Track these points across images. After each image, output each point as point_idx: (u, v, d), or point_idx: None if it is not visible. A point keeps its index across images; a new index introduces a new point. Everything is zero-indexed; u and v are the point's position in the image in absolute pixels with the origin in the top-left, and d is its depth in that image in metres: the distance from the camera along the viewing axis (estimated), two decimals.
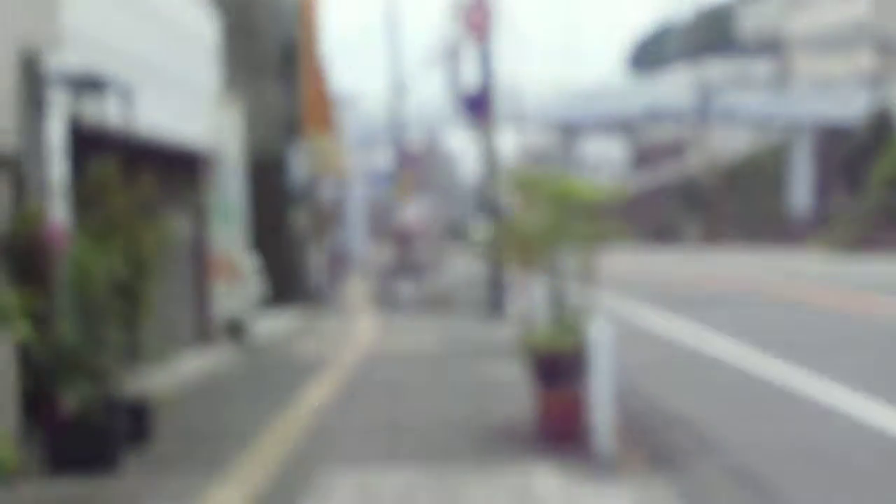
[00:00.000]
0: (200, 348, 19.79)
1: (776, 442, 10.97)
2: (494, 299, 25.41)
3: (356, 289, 41.96)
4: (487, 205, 26.16)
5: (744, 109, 75.05)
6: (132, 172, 11.61)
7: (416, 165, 58.55)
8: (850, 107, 74.78)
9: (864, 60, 66.61)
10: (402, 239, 40.68)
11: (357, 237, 68.08)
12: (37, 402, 10.37)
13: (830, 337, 20.00)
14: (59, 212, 11.88)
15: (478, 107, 24.34)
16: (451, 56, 34.51)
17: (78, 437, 10.25)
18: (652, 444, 10.80)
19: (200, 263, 20.54)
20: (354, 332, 24.17)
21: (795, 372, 15.26)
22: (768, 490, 9.01)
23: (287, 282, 30.33)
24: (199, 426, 12.69)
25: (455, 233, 52.36)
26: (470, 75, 27.43)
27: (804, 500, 8.82)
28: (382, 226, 52.75)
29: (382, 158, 67.24)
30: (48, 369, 10.31)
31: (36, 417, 10.29)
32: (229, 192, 21.78)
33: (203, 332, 20.39)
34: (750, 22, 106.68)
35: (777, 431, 11.61)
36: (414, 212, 42.19)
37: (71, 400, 10.43)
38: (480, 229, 29.26)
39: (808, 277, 37.10)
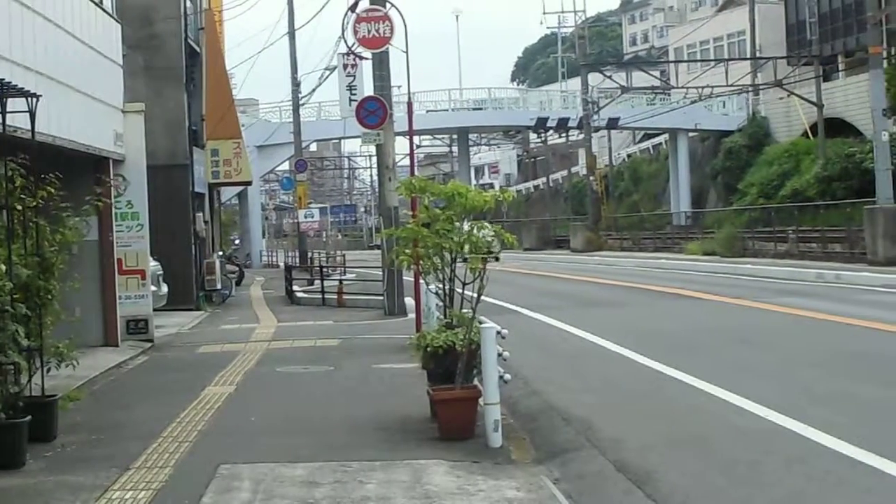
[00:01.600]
0: (105, 347, 19.59)
1: (654, 430, 10.95)
2: (392, 299, 25.41)
3: (257, 288, 41.68)
4: (384, 209, 26.17)
5: (628, 119, 75.69)
6: (36, 176, 11.49)
7: (314, 170, 58.33)
8: (728, 117, 76.07)
9: (742, 72, 67.59)
10: (300, 241, 40.57)
11: (257, 239, 67.77)
12: None
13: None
14: None
15: (373, 114, 24.34)
16: (349, 64, 34.54)
17: None
18: (542, 436, 10.93)
19: (105, 264, 20.35)
20: (255, 330, 24.00)
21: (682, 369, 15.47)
22: (650, 478, 9.03)
23: (189, 282, 30.16)
24: (103, 423, 12.50)
25: (354, 234, 52.36)
26: (366, 84, 27.45)
27: (677, 482, 8.82)
28: (283, 228, 52.43)
29: (286, 163, 66.93)
30: None
31: None
32: (133, 195, 21.58)
33: (108, 331, 20.19)
34: (635, 30, 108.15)
35: (657, 419, 11.56)
36: (312, 215, 42.06)
37: None
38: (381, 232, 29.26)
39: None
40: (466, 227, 11.79)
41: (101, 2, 20.24)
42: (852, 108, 62.17)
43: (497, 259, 12.45)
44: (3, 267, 10.45)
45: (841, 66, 68.98)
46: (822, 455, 9.66)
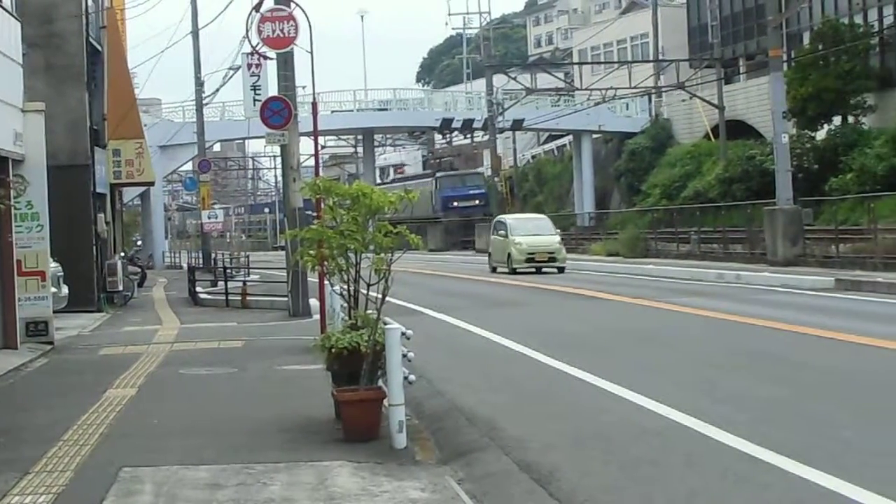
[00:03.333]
0: (4, 350, 19.32)
1: (555, 427, 11.01)
2: (297, 300, 25.34)
3: (159, 290, 41.29)
4: (289, 209, 26.11)
5: (533, 120, 76.16)
6: None
7: (218, 171, 57.94)
8: (632, 119, 76.97)
9: (645, 75, 68.40)
10: (204, 242, 40.32)
11: (160, 240, 67.15)
12: None
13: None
14: None
15: (277, 115, 24.25)
16: (253, 64, 34.35)
17: None
18: (446, 436, 10.99)
19: (4, 266, 20.06)
20: (158, 332, 23.78)
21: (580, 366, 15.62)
22: (552, 476, 9.06)
23: (90, 283, 29.82)
24: (1, 426, 12.29)
25: (258, 235, 52.09)
26: (271, 84, 27.37)
27: (572, 476, 8.81)
28: (186, 229, 52.07)
29: (189, 163, 66.34)
30: None
31: None
32: (33, 195, 21.30)
33: (6, 333, 19.91)
34: (539, 32, 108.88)
35: (558, 417, 11.67)
36: (215, 217, 41.78)
37: None
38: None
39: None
40: (372, 227, 11.81)
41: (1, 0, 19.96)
42: (753, 111, 63.21)
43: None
44: None
45: (742, 69, 70.17)
46: (722, 453, 9.78)
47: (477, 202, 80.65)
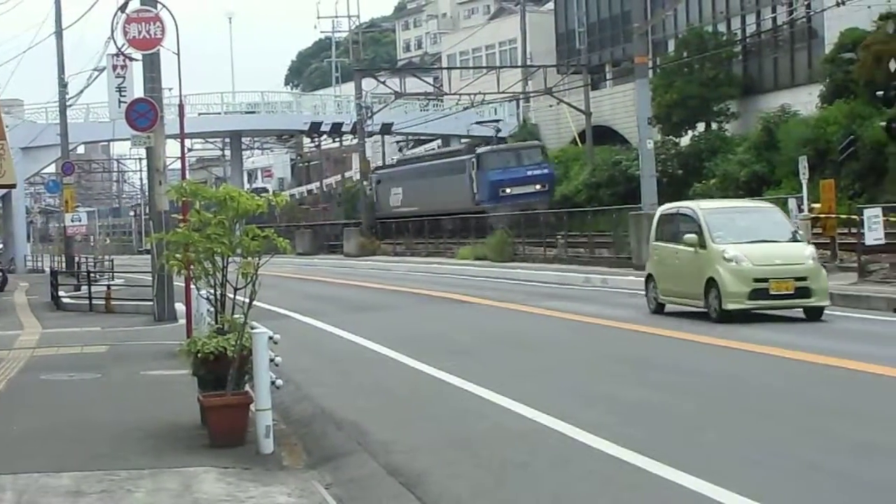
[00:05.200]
0: None
1: (424, 430, 11.07)
2: (162, 304, 25.06)
3: (21, 294, 40.49)
4: (154, 212, 25.83)
5: (402, 124, 76.65)
6: None
7: (82, 173, 56.99)
8: (500, 122, 77.57)
9: (513, 80, 69.13)
10: (67, 245, 39.77)
11: (22, 243, 65.92)
12: None
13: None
14: None
15: (143, 117, 23.99)
16: (119, 66, 33.87)
17: None
18: (316, 442, 10.97)
19: None
20: (19, 337, 23.30)
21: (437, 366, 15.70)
22: (419, 480, 9.08)
23: None
24: None
25: (123, 239, 51.30)
26: (137, 86, 27.06)
27: (438, 483, 8.87)
28: (49, 232, 51.20)
29: (52, 165, 65.18)
30: None
31: None
32: None
33: None
34: (407, 42, 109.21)
35: (420, 417, 11.75)
36: (79, 220, 41.19)
37: None
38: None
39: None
40: (239, 230, 11.74)
41: None
42: (619, 117, 64.16)
43: None
44: None
45: (608, 75, 71.10)
46: (589, 455, 9.89)
47: (538, 187, 60.86)
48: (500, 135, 74.02)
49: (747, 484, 8.34)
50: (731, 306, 17.94)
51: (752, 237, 19.81)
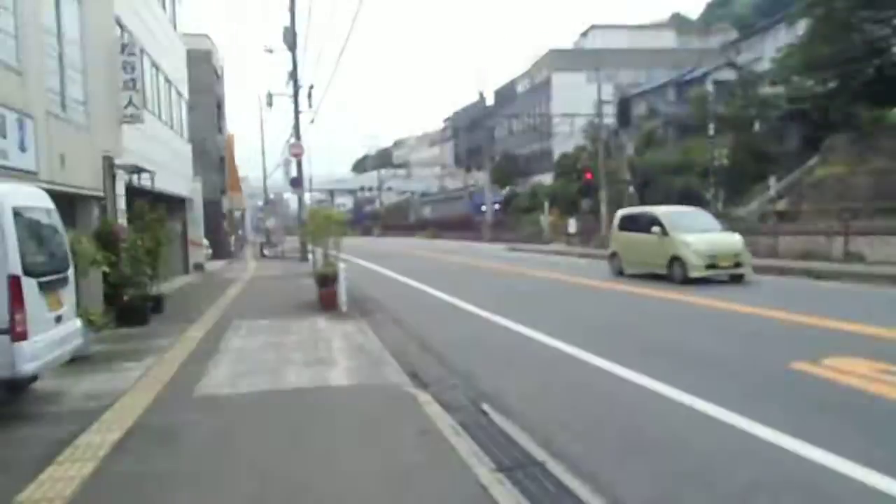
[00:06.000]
0: (184, 275, 18.65)
1: (412, 306, 10.96)
2: (304, 255, 24.51)
3: (248, 252, 39.88)
4: (300, 220, 25.56)
5: (396, 186, 76.49)
6: (156, 206, 11.06)
7: (273, 205, 56.26)
8: (434, 186, 76.29)
9: (440, 171, 69.02)
10: (267, 232, 39.21)
11: (249, 231, 64.65)
12: (111, 297, 9.69)
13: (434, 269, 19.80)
14: (121, 220, 11.09)
15: (296, 183, 23.81)
16: (287, 162, 33.44)
17: (130, 311, 9.64)
18: (363, 308, 10.75)
19: (185, 241, 19.36)
20: (248, 268, 23.03)
21: (421, 284, 15.19)
22: (406, 323, 9.11)
23: (221, 249, 28.80)
24: (184, 305, 11.85)
25: (291, 230, 50.16)
26: (294, 170, 26.83)
27: (410, 322, 8.83)
28: (261, 227, 50.45)
29: (259, 202, 63.83)
30: (116, 284, 9.66)
31: (110, 303, 9.62)
32: (196, 214, 20.68)
33: (186, 268, 19.23)
34: (398, 153, 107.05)
35: (411, 302, 11.52)
36: (272, 222, 40.74)
37: (128, 295, 9.80)
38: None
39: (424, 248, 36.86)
40: (332, 226, 11.60)
41: None
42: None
43: None
44: (140, 243, 10.06)
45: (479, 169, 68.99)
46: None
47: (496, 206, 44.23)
48: (432, 192, 71.53)
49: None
50: (694, 274, 12.54)
51: (698, 229, 13.50)
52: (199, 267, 20.37)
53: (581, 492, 3.38)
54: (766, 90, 34.47)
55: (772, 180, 30.22)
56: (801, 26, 30.13)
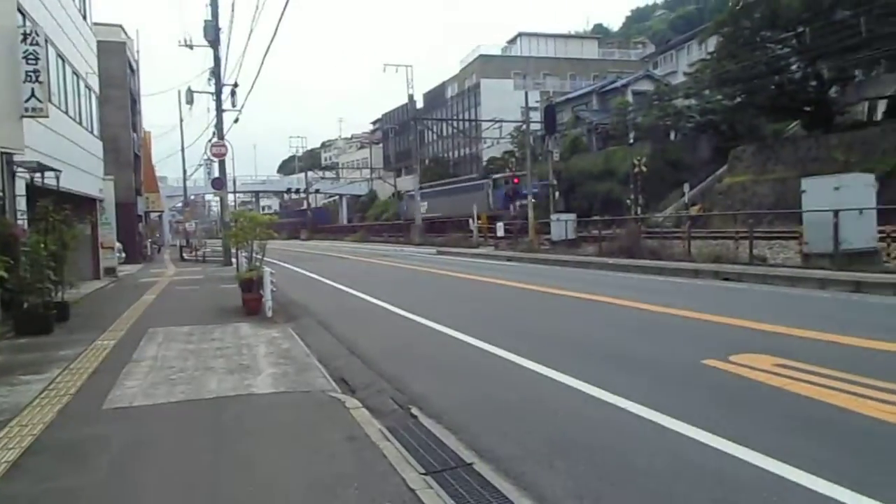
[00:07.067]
0: (95, 281, 17.54)
1: (340, 310, 10.78)
2: (227, 258, 23.88)
3: (167, 256, 37.98)
4: (223, 222, 24.66)
5: (324, 189, 75.63)
6: (62, 207, 10.32)
7: (194, 207, 53.83)
8: (363, 188, 75.75)
9: (367, 174, 68.80)
10: (187, 235, 37.54)
11: (167, 234, 61.59)
12: (9, 304, 8.99)
13: (355, 271, 20.07)
14: (20, 222, 10.29)
15: (218, 184, 22.94)
16: (209, 162, 32.11)
17: (31, 319, 8.94)
18: (289, 313, 10.60)
19: (96, 244, 18.26)
20: (166, 271, 21.97)
21: (349, 288, 14.99)
22: (334, 327, 8.99)
23: (136, 252, 27.29)
24: (93, 313, 11.18)
25: (213, 233, 48.21)
26: (216, 170, 25.84)
27: (338, 326, 8.72)
28: (180, 230, 48.19)
29: (179, 203, 60.93)
30: (15, 290, 8.97)
31: (8, 311, 8.91)
32: (108, 215, 19.50)
33: (96, 273, 18.11)
34: (327, 155, 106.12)
35: (340, 306, 11.32)
36: (192, 225, 39.07)
37: (28, 302, 9.10)
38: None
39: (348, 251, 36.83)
40: (258, 229, 11.31)
41: None
42: (409, 188, 58.00)
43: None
44: (42, 246, 9.34)
45: (404, 173, 66.21)
46: (411, 323, 9.75)
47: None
48: (361, 195, 72.06)
49: (482, 336, 7.52)
50: None
51: None
52: (110, 272, 19.22)
53: (508, 491, 3.42)
54: (681, 102, 36.55)
55: (686, 187, 31.99)
56: (712, 43, 32.18)
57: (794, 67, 27.46)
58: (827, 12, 24.97)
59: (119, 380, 6.08)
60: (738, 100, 29.99)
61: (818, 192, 12.58)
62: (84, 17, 18.16)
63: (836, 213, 12.00)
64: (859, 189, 12.32)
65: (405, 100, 49.80)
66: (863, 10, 22.82)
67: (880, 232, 12.87)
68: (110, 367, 6.63)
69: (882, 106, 28.36)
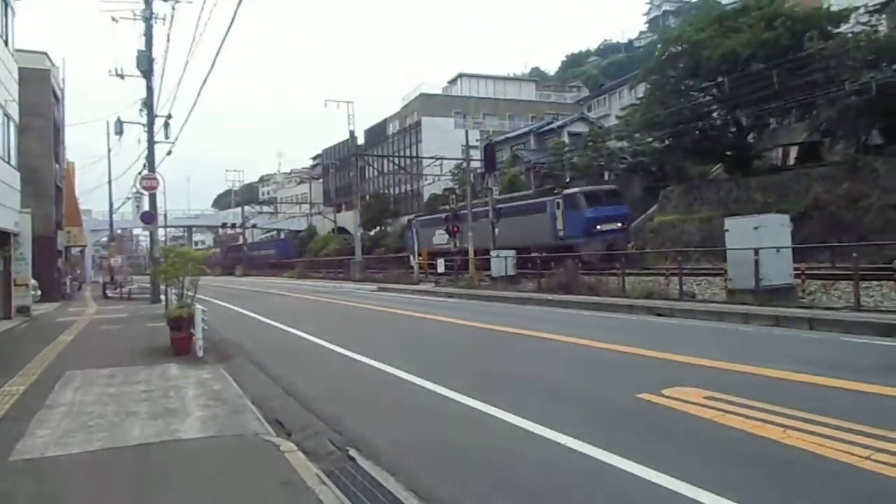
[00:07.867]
0: (4, 320, 16.31)
1: (275, 349, 10.51)
2: (155, 295, 22.81)
3: (88, 293, 35.86)
4: (153, 257, 23.61)
5: (262, 224, 74.11)
6: None
7: (120, 242, 51.26)
8: (301, 224, 74.12)
9: (306, 209, 68.10)
10: (112, 271, 35.68)
11: (89, 270, 58.33)
12: None
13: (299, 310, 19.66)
14: None
15: (148, 218, 22.02)
16: (138, 196, 30.87)
17: None
18: (221, 353, 10.17)
19: (9, 281, 17.07)
20: (87, 310, 20.70)
21: (285, 325, 14.65)
22: (268, 367, 8.73)
23: (54, 289, 25.64)
24: (1, 355, 10.39)
25: (141, 269, 45.89)
26: (146, 203, 24.85)
27: (274, 366, 8.50)
28: (104, 265, 45.69)
29: (104, 238, 57.91)
30: None
31: None
32: (24, 250, 18.29)
33: (7, 312, 16.86)
34: (265, 189, 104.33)
35: (275, 345, 11.05)
36: (117, 260, 37.18)
37: None
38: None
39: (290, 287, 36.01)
40: (189, 265, 10.93)
41: None
42: (349, 224, 55.80)
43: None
44: None
45: (344, 209, 65.58)
46: (330, 352, 9.60)
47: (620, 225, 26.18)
48: (300, 230, 70.58)
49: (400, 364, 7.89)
50: None
51: None
52: (23, 310, 17.94)
53: None
54: (614, 143, 38.33)
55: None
56: (641, 89, 34.18)
57: (715, 115, 29.40)
58: (743, 64, 27.03)
59: (29, 428, 5.61)
60: (667, 143, 31.68)
61: (739, 232, 13.01)
62: (6, 43, 17.33)
63: (756, 251, 12.40)
64: (776, 229, 13.10)
65: (346, 136, 49.85)
66: (775, 63, 24.83)
67: (796, 269, 13.53)
68: (20, 415, 6.11)
69: (794, 152, 30.69)
